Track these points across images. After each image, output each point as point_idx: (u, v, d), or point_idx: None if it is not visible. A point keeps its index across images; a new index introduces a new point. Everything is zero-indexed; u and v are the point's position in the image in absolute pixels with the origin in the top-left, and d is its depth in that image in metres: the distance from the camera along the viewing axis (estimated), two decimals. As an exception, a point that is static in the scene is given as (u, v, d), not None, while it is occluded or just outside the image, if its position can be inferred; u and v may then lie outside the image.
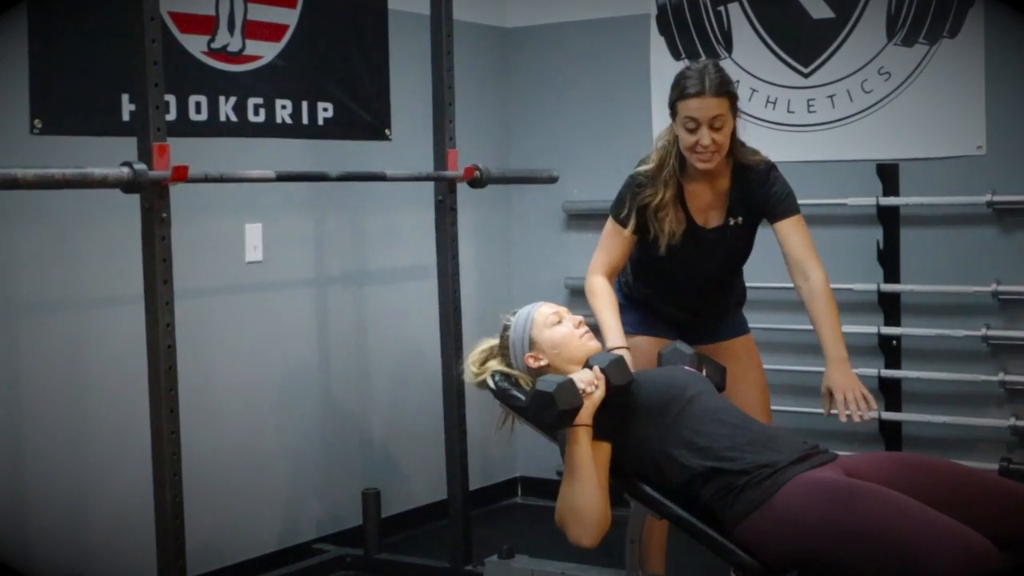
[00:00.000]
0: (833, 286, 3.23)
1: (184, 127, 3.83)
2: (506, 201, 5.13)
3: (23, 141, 3.47)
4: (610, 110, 4.94)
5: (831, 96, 4.49)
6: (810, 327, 3.18)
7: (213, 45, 3.97)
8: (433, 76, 3.94)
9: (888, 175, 4.37)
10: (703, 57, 4.63)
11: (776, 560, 2.57)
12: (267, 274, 4.20)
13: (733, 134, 3.23)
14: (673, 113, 3.22)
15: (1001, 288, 4.19)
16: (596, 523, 2.70)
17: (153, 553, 3.10)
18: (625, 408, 2.79)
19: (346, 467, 4.49)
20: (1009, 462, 4.18)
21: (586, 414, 2.73)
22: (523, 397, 2.89)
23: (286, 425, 4.28)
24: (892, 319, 4.40)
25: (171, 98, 3.79)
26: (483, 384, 3.01)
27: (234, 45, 4.04)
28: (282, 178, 3.51)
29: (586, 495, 2.70)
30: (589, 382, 2.75)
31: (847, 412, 2.96)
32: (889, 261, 4.38)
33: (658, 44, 4.80)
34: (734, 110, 3.19)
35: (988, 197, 4.18)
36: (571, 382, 2.70)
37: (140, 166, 2.94)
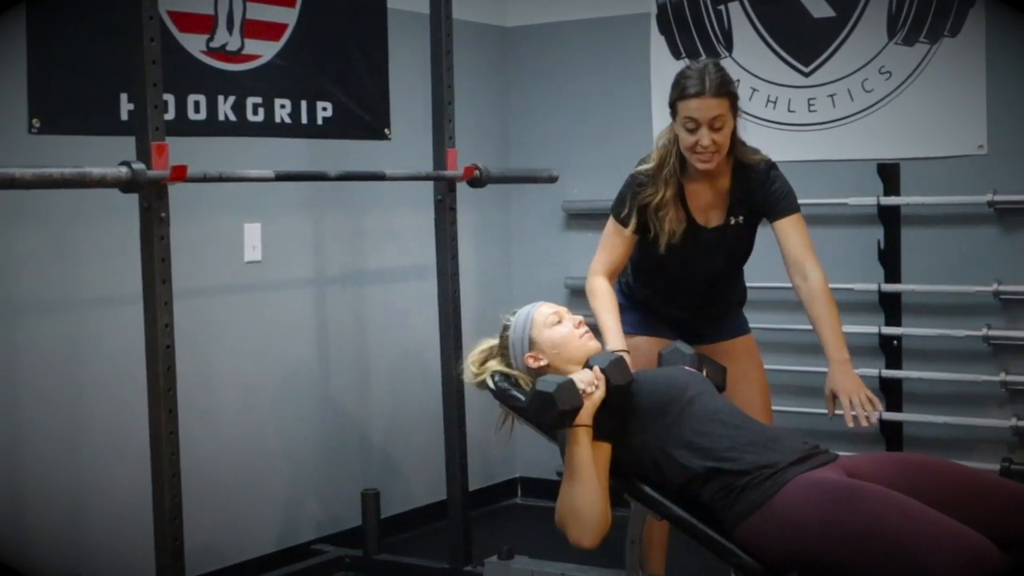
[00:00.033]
0: (833, 286, 3.22)
1: (183, 126, 3.82)
2: (506, 201, 5.12)
3: (21, 140, 3.46)
4: (610, 109, 4.93)
5: (832, 95, 4.48)
6: (811, 327, 3.17)
7: (212, 44, 3.97)
8: (432, 75, 3.93)
9: (889, 175, 4.36)
10: (703, 56, 4.62)
11: (776, 561, 2.57)
12: (266, 274, 4.20)
13: (733, 133, 3.22)
14: (673, 113, 3.21)
15: (1002, 288, 4.18)
16: (596, 524, 2.70)
17: (152, 553, 3.09)
18: (625, 408, 2.78)
19: (345, 467, 4.48)
20: (1010, 462, 4.17)
21: (586, 414, 2.72)
22: (523, 397, 2.88)
23: (285, 425, 4.28)
24: (893, 319, 4.39)
25: (170, 97, 3.79)
26: (483, 384, 3.00)
27: (233, 44, 4.03)
28: (281, 178, 3.50)
29: (586, 496, 2.69)
30: (589, 382, 2.74)
31: (853, 414, 2.93)
32: (890, 261, 4.37)
33: (658, 43, 4.80)
34: (734, 110, 3.19)
35: (989, 197, 4.17)
36: (571, 382, 2.69)
37: (139, 165, 2.94)
